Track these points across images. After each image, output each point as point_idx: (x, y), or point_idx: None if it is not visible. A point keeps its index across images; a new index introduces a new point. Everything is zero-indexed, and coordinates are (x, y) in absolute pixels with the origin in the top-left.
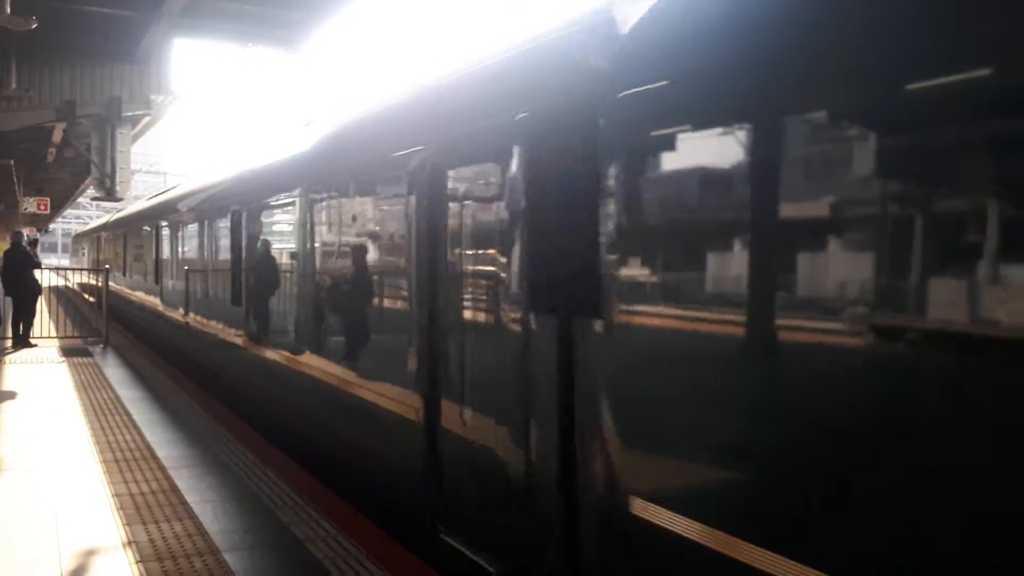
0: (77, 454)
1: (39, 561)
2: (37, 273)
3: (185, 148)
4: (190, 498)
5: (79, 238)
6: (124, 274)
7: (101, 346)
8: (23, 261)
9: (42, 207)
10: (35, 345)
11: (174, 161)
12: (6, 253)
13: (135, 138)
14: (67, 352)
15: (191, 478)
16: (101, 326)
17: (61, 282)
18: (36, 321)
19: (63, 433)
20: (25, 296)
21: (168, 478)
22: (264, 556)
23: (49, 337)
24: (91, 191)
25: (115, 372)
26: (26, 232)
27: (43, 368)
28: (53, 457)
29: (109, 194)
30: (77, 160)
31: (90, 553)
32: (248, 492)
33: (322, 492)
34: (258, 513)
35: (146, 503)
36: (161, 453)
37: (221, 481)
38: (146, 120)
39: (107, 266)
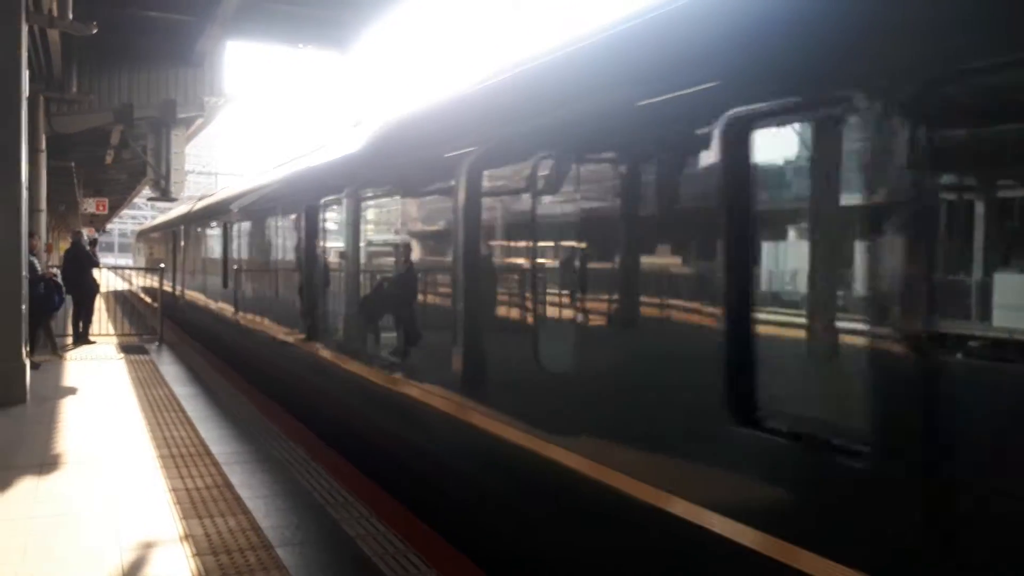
0: (135, 449)
1: (101, 552)
2: (96, 272)
3: (237, 149)
4: (243, 493)
5: (144, 235)
6: (195, 278)
7: (156, 344)
8: (82, 260)
9: (100, 208)
10: (94, 342)
11: (226, 162)
12: (67, 252)
13: (189, 139)
14: (124, 349)
15: (244, 474)
16: (156, 324)
17: (120, 283)
18: (95, 319)
19: (121, 429)
20: (85, 295)
21: (222, 474)
22: (315, 552)
23: (107, 335)
24: (146, 191)
25: (170, 369)
26: (86, 232)
27: (101, 365)
28: (112, 452)
29: (164, 194)
30: (134, 161)
31: (149, 546)
32: (299, 488)
33: (371, 489)
34: (309, 509)
35: (201, 498)
36: (215, 449)
37: (273, 477)
38: (199, 122)
39: (162, 265)
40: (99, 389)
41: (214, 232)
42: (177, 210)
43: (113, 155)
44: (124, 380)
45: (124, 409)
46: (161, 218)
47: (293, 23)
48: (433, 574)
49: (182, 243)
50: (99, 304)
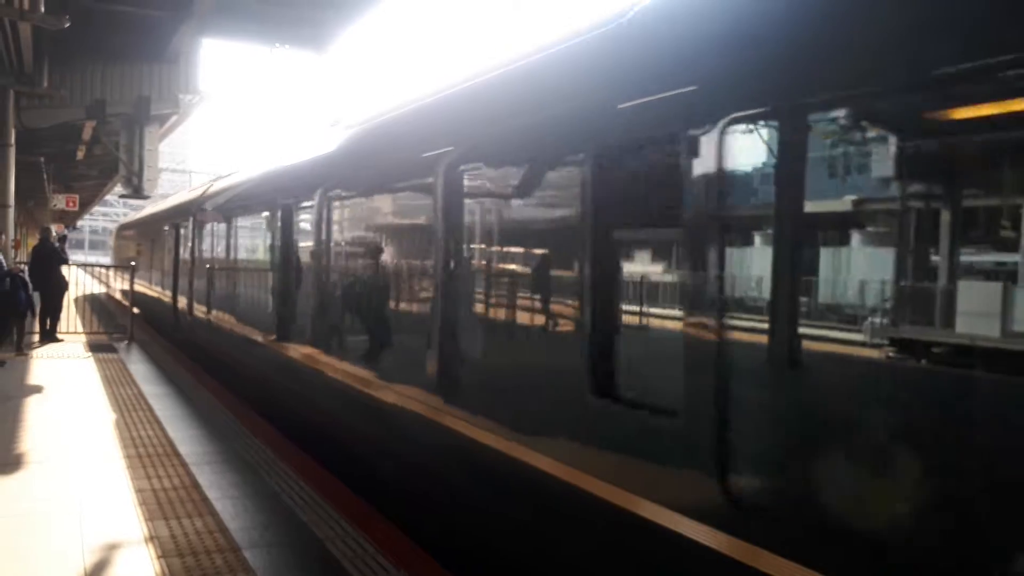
0: (101, 449)
1: (64, 553)
2: (64, 270)
3: (212, 147)
4: (211, 494)
5: (127, 231)
6: (217, 290)
7: (126, 342)
8: (51, 257)
9: (71, 204)
10: (61, 340)
11: (200, 160)
12: (35, 249)
13: (162, 136)
14: (93, 348)
15: (212, 474)
16: (127, 323)
17: (94, 285)
18: (63, 316)
19: (88, 428)
20: (52, 292)
21: (190, 474)
22: (283, 554)
23: (76, 333)
24: (119, 188)
25: (139, 368)
26: (54, 229)
27: (69, 363)
28: (77, 451)
29: (136, 192)
30: (106, 158)
31: (113, 547)
32: (268, 490)
33: (339, 491)
34: (277, 511)
35: (168, 499)
36: (183, 449)
37: (242, 478)
38: (173, 119)
39: (133, 263)
40: (66, 387)
41: (254, 223)
42: (177, 197)
43: (85, 151)
44: (92, 379)
45: (91, 408)
46: (151, 208)
47: (269, 22)
48: (403, 575)
49: (190, 240)
50: (67, 302)
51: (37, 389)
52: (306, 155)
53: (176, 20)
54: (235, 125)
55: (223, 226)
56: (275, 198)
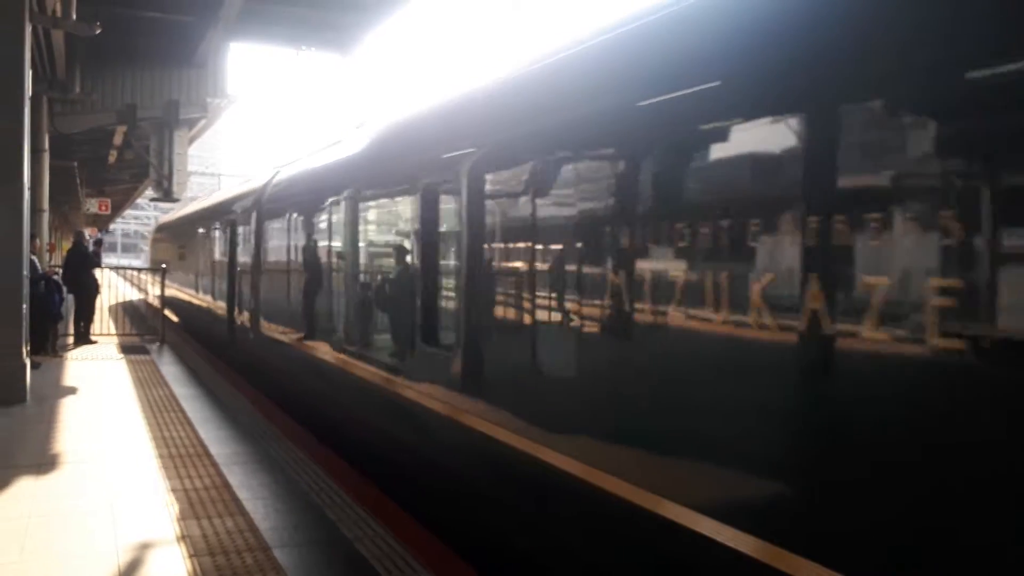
0: (134, 449)
1: (98, 552)
2: (97, 273)
3: (240, 150)
4: (242, 495)
5: (169, 231)
6: (294, 298)
7: (158, 344)
8: (84, 261)
9: (103, 208)
10: (96, 342)
11: (229, 163)
12: (69, 252)
13: (191, 140)
14: (125, 349)
15: (243, 475)
16: (158, 325)
17: (128, 289)
18: (96, 318)
19: (121, 429)
20: (86, 295)
21: (220, 474)
22: (312, 553)
23: (108, 335)
24: (149, 192)
25: (170, 370)
26: (88, 232)
27: (102, 365)
28: (112, 451)
29: (167, 195)
30: (136, 162)
31: (146, 546)
32: (297, 490)
33: (369, 491)
34: (307, 511)
35: (199, 499)
36: (214, 450)
37: (272, 478)
38: (202, 123)
39: (164, 265)
40: (99, 389)
41: (371, 212)
42: (232, 188)
43: (116, 155)
44: (124, 380)
45: (124, 409)
46: (197, 204)
47: (295, 26)
48: None
49: (254, 238)
50: (99, 304)
51: (72, 391)
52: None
53: (204, 25)
54: (263, 128)
55: (307, 219)
56: (413, 174)
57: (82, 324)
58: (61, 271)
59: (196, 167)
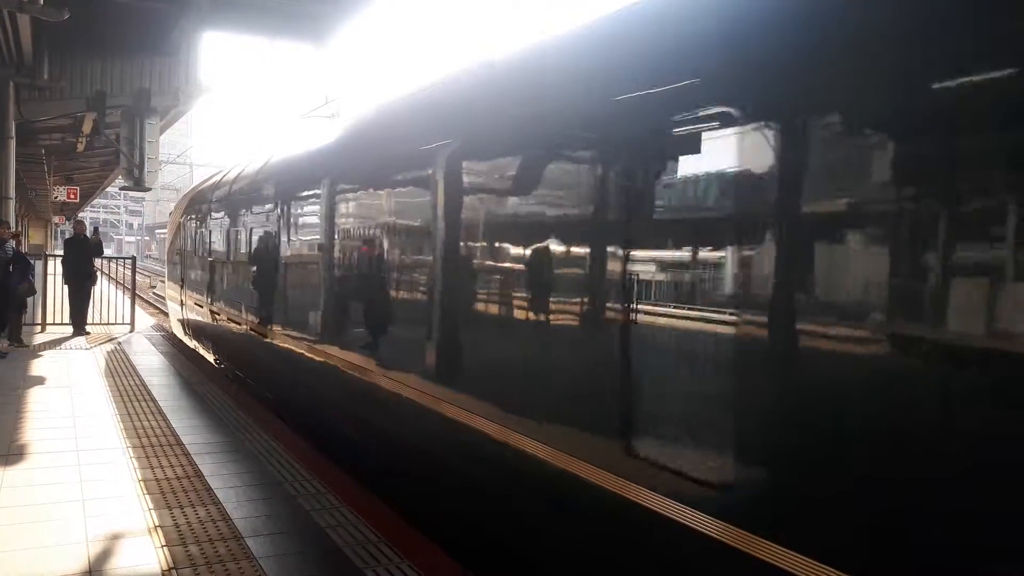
0: (105, 439)
1: (68, 544)
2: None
3: (213, 139)
4: (214, 484)
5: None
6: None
7: (128, 333)
8: (83, 249)
9: (71, 196)
10: (88, 332)
11: (202, 152)
12: (67, 242)
13: (163, 129)
14: (94, 339)
15: (215, 464)
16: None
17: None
18: (60, 308)
19: (91, 418)
20: (84, 285)
21: (193, 464)
22: (286, 542)
23: (69, 324)
24: (120, 181)
25: (141, 359)
26: (88, 221)
27: (72, 354)
28: (82, 441)
29: (137, 184)
30: (106, 150)
31: (118, 536)
32: (271, 479)
33: (343, 480)
34: (280, 500)
35: (171, 488)
36: (186, 439)
37: (245, 468)
38: (174, 111)
39: (133, 254)
40: (69, 378)
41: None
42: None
43: (85, 143)
44: (95, 369)
45: (94, 398)
46: (247, 165)
47: (269, 14)
48: (405, 564)
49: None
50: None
51: (40, 380)
52: None
53: (176, 12)
54: (239, 117)
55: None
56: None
57: (78, 314)
58: (62, 261)
59: (168, 156)
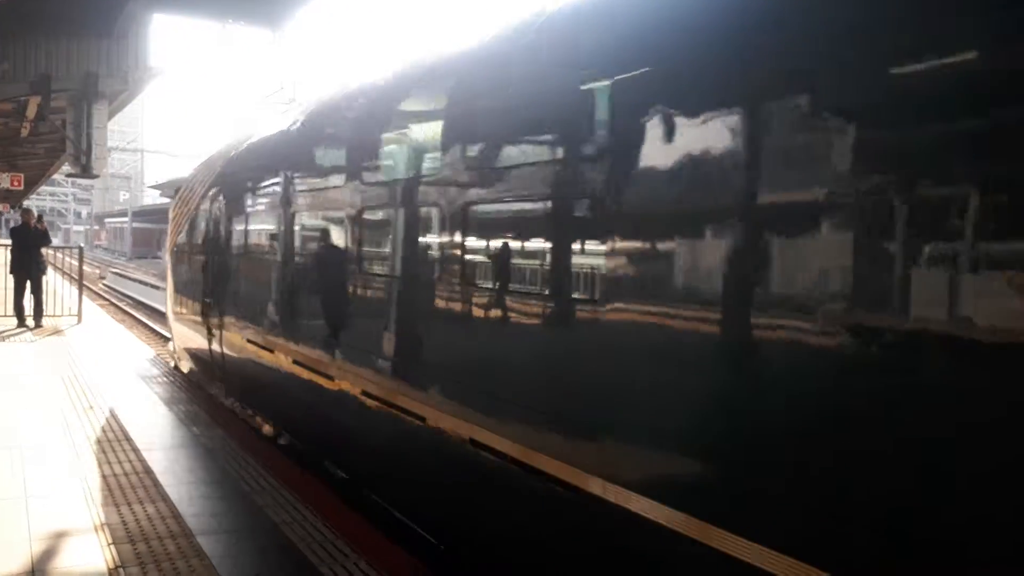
0: (49, 434)
1: (9, 543)
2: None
3: (166, 125)
4: (164, 480)
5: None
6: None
7: (76, 323)
8: (29, 239)
9: (15, 183)
10: (42, 326)
11: (154, 138)
12: (14, 231)
13: (112, 114)
14: (41, 330)
15: (166, 461)
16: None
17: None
18: (5, 299)
19: (35, 413)
20: (37, 274)
21: (142, 460)
22: (238, 539)
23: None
24: (66, 167)
25: (90, 350)
26: (35, 209)
27: (16, 346)
28: (25, 437)
29: (84, 171)
30: (52, 136)
31: (61, 535)
32: (225, 475)
33: (299, 477)
34: (234, 497)
35: (119, 484)
36: (134, 434)
37: (198, 464)
38: (123, 95)
39: (81, 245)
40: (12, 372)
41: None
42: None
43: (29, 128)
44: (41, 362)
45: (39, 393)
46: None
47: None
48: (362, 562)
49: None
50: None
51: None
52: None
53: None
54: (192, 102)
55: None
56: None
57: (35, 304)
58: (9, 251)
59: (118, 142)
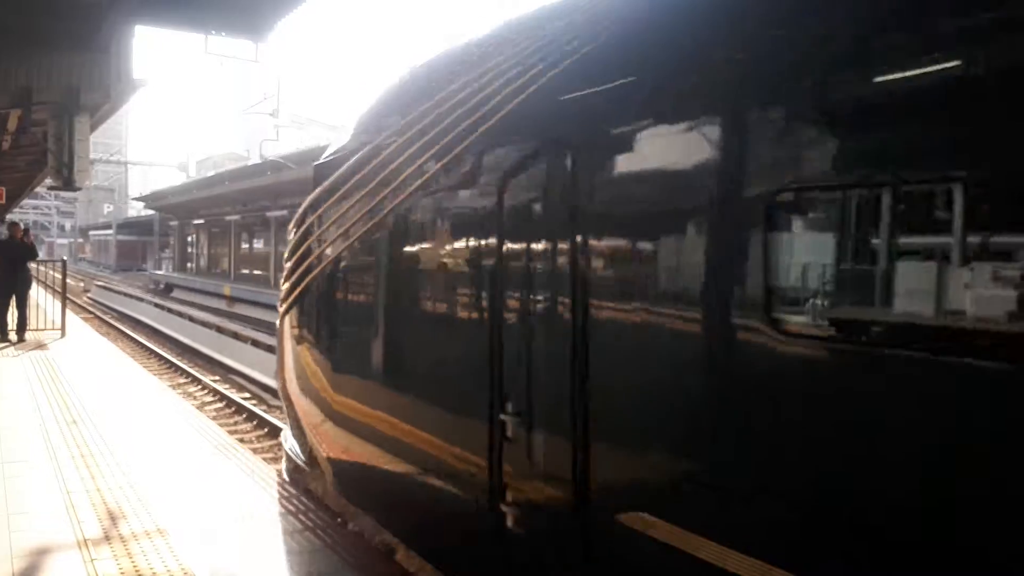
0: (32, 449)
1: None
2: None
3: (149, 137)
4: (149, 495)
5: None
6: None
7: (59, 337)
8: (17, 252)
9: None
10: (24, 340)
11: (137, 150)
12: (2, 244)
13: (95, 126)
14: (23, 344)
15: (152, 476)
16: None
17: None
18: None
19: (17, 428)
20: (22, 288)
21: (126, 474)
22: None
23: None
24: (49, 181)
25: (72, 365)
26: (21, 223)
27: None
28: (6, 452)
29: (67, 184)
30: (34, 149)
31: (43, 551)
32: (221, 492)
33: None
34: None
35: (102, 500)
36: (118, 449)
37: (185, 479)
38: (106, 108)
39: (64, 258)
40: None
41: None
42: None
43: (10, 141)
44: (23, 376)
45: (21, 407)
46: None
47: (203, 8)
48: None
49: None
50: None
51: None
52: None
53: (106, 6)
54: (176, 115)
55: None
56: None
57: (18, 319)
58: None
59: (101, 154)
